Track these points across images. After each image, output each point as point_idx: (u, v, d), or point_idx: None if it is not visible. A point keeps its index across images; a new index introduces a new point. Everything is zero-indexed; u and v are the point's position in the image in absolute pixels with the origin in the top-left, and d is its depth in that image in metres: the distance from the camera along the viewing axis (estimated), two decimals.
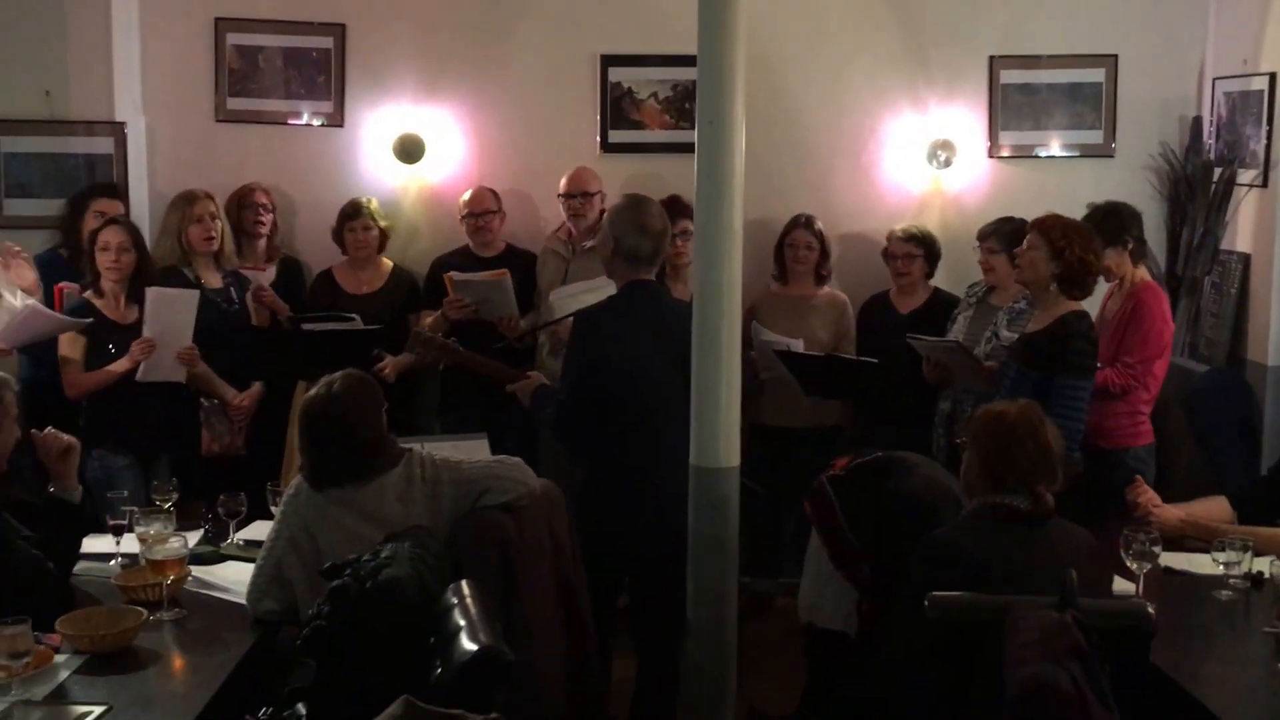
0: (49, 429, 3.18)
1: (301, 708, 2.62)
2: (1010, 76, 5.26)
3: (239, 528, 3.57)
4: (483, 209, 4.90)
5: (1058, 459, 2.84)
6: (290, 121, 5.27)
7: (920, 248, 4.84)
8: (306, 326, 4.64)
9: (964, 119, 5.25)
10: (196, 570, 3.27)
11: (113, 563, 3.31)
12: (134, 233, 4.30)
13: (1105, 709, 2.29)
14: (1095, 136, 5.28)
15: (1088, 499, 3.44)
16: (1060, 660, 2.30)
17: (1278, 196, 4.66)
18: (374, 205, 4.96)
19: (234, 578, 3.25)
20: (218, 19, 5.19)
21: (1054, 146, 5.30)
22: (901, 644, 2.83)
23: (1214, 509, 3.55)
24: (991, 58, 5.24)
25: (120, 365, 4.13)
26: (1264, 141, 4.73)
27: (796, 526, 3.58)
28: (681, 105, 5.23)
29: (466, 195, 4.97)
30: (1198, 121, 5.17)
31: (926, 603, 2.52)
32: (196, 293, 4.33)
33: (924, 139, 5.21)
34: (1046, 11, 5.25)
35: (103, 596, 3.08)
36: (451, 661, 2.34)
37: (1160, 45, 5.24)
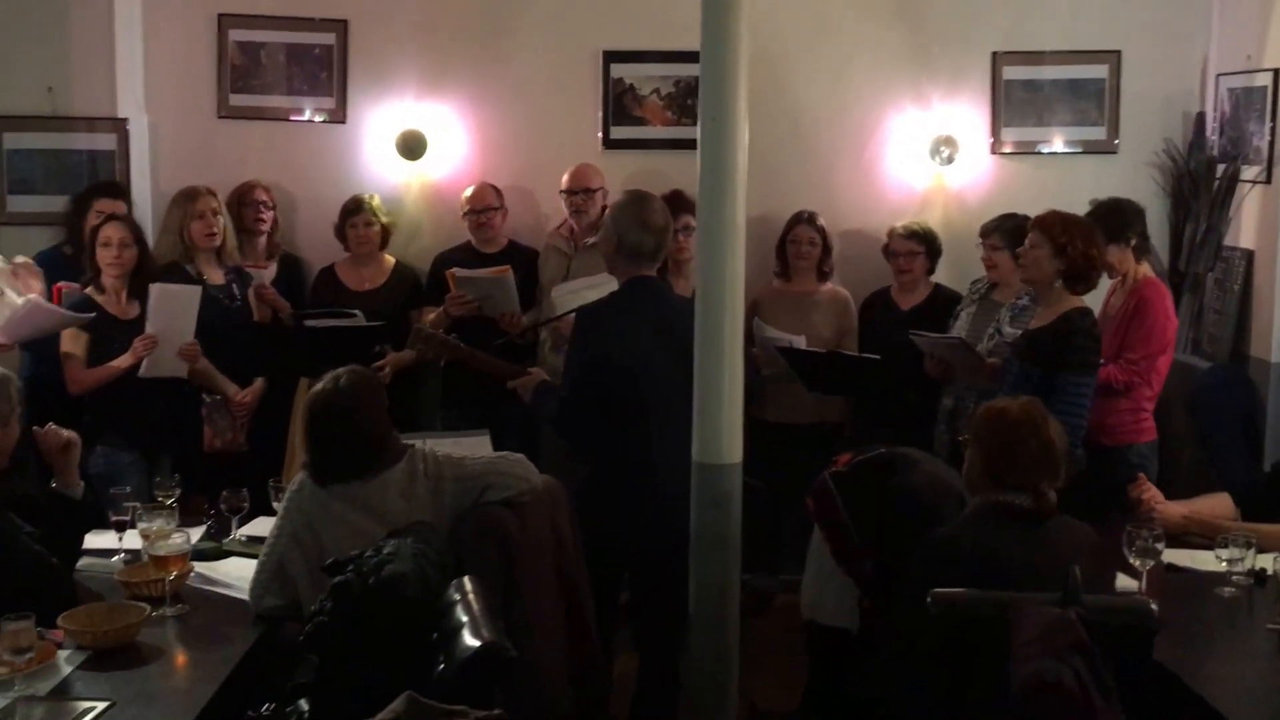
0: (49, 425, 3.18)
1: (304, 703, 2.63)
2: (1013, 72, 5.25)
3: (241, 524, 3.57)
4: (485, 205, 4.90)
5: (1060, 456, 2.84)
6: (292, 118, 5.27)
7: (922, 245, 4.84)
8: (309, 323, 4.65)
9: (967, 115, 5.25)
10: (199, 566, 3.27)
11: (115, 558, 3.31)
12: (135, 229, 4.30)
13: (1109, 705, 2.29)
14: (1098, 132, 5.28)
15: (1090, 496, 3.44)
16: (1064, 657, 2.29)
17: None
18: (376, 201, 4.96)
19: (236, 574, 3.25)
20: (220, 15, 5.19)
21: (1057, 143, 5.29)
22: (901, 643, 2.83)
23: (1217, 506, 3.55)
24: (994, 53, 5.24)
25: (123, 361, 4.13)
26: (1267, 138, 4.72)
27: (798, 523, 3.57)
28: (683, 101, 5.23)
29: (469, 191, 4.96)
30: (1201, 118, 5.16)
31: (929, 599, 2.52)
32: (199, 289, 4.33)
33: (926, 135, 5.21)
34: (1050, 7, 5.24)
35: (105, 592, 3.08)
36: (454, 657, 2.35)
37: (1163, 41, 5.23)
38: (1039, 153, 5.30)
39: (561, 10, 5.23)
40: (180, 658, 2.81)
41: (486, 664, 2.31)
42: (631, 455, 3.48)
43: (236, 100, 5.24)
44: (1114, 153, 5.26)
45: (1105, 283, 4.17)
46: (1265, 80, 4.75)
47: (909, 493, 3.17)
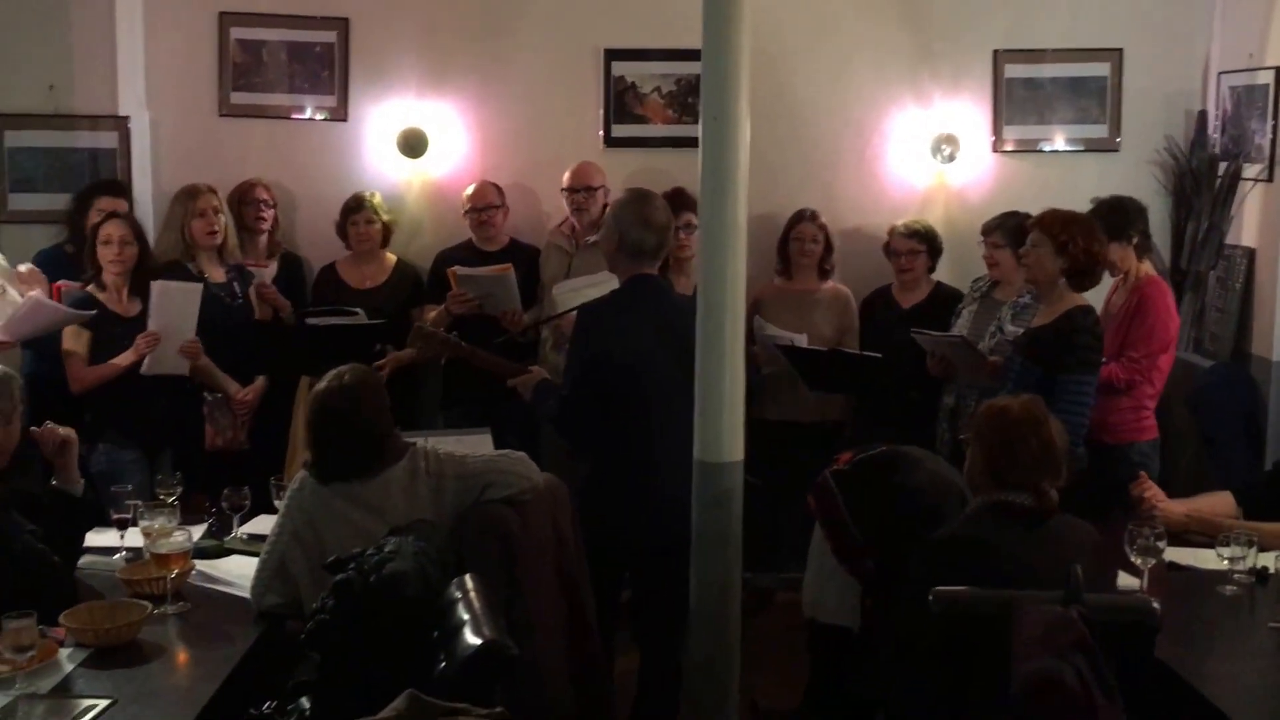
0: (46, 423, 3.19)
1: (305, 701, 2.63)
2: (1015, 70, 5.25)
3: (243, 522, 3.57)
4: (486, 203, 4.90)
5: (1061, 455, 2.83)
6: (294, 116, 5.27)
7: (923, 243, 4.84)
8: (310, 321, 4.65)
9: (968, 113, 5.25)
10: (200, 564, 3.27)
11: (117, 556, 3.31)
12: (135, 226, 4.31)
13: (1110, 704, 2.29)
14: (1100, 131, 5.28)
15: (1092, 494, 3.43)
16: (1065, 655, 2.29)
17: None
18: (377, 199, 4.96)
19: (238, 572, 3.25)
20: (221, 13, 5.19)
21: (1058, 141, 5.29)
22: (902, 644, 2.83)
23: (1218, 504, 3.55)
24: (996, 52, 5.23)
25: (125, 358, 4.13)
26: (1269, 136, 4.72)
27: (798, 522, 3.57)
28: (685, 100, 5.23)
29: (470, 190, 4.96)
30: (1203, 116, 5.16)
31: (931, 597, 2.52)
32: (199, 285, 4.33)
33: (928, 133, 5.21)
34: (1051, 5, 5.24)
35: (107, 590, 3.08)
36: (455, 655, 2.35)
37: (1165, 39, 5.22)
38: (1040, 151, 5.30)
39: (563, 8, 5.23)
40: (182, 656, 2.81)
41: (488, 662, 2.31)
42: (632, 454, 3.48)
43: (238, 98, 5.24)
44: (1115, 151, 5.26)
45: (1107, 281, 4.17)
46: (1267, 78, 4.74)
47: (910, 491, 3.16)
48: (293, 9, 5.21)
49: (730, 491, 3.22)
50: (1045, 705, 2.26)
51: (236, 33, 5.21)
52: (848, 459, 3.33)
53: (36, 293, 4.18)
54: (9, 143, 5.09)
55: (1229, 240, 4.97)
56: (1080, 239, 3.74)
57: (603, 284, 3.89)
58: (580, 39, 5.22)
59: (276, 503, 3.34)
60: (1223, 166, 4.99)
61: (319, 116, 5.27)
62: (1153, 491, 3.57)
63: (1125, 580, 3.08)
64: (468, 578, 2.59)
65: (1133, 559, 3.08)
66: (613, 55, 5.23)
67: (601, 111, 5.25)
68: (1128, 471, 3.80)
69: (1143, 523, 3.18)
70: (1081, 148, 5.28)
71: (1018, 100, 5.26)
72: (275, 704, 2.73)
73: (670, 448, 3.39)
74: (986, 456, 2.84)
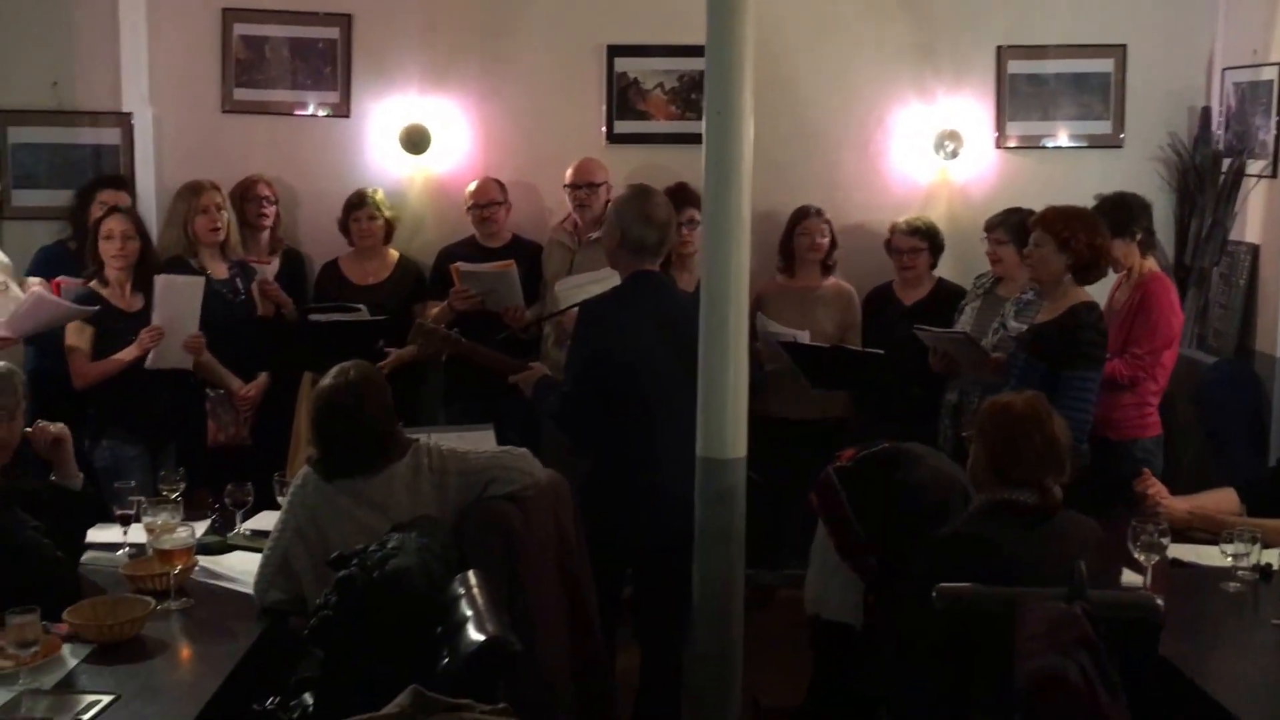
0: (37, 421, 3.19)
1: (308, 697, 2.63)
2: (1018, 67, 5.24)
3: (246, 518, 3.58)
4: (488, 200, 4.90)
5: (1065, 452, 2.83)
6: (296, 112, 5.27)
7: (924, 241, 4.83)
8: (313, 317, 4.65)
9: (971, 109, 5.24)
10: (203, 560, 3.28)
11: (120, 552, 3.31)
12: (137, 221, 4.31)
13: (1114, 700, 2.28)
14: (1103, 127, 5.27)
15: (1095, 491, 3.43)
16: (1069, 652, 2.29)
17: None
18: (379, 195, 4.96)
19: (241, 568, 3.25)
20: (224, 9, 5.19)
21: (1062, 137, 5.29)
22: (904, 642, 2.83)
23: (1222, 501, 3.55)
24: (999, 48, 5.23)
25: (128, 353, 4.13)
26: (1273, 132, 4.71)
27: (800, 519, 3.57)
28: (688, 96, 5.22)
29: (472, 186, 4.96)
30: (1206, 112, 5.15)
31: (935, 594, 2.52)
32: (202, 279, 4.34)
33: (931, 129, 5.20)
34: (1054, 2, 5.23)
35: (110, 586, 3.08)
36: (458, 651, 2.35)
37: (1169, 35, 5.22)
38: (1044, 147, 5.29)
39: (565, 4, 5.22)
40: (185, 651, 2.81)
41: (491, 658, 2.31)
42: (633, 450, 3.48)
43: (240, 94, 5.24)
44: (1119, 147, 5.25)
45: (1110, 278, 4.17)
46: (1271, 74, 4.73)
47: (913, 488, 3.16)
48: (295, 5, 5.21)
49: (733, 488, 3.22)
50: (1049, 702, 2.26)
51: (239, 29, 5.21)
52: (850, 456, 3.33)
53: (39, 289, 4.18)
54: (12, 139, 5.09)
55: (1232, 236, 4.97)
56: (1082, 234, 3.74)
57: (605, 280, 3.88)
58: (583, 35, 5.22)
59: (280, 499, 3.34)
60: (1226, 163, 4.98)
61: (321, 113, 5.27)
62: (1156, 488, 3.57)
63: (1129, 577, 3.07)
64: (471, 574, 2.59)
65: (1136, 555, 3.07)
66: (615, 51, 5.23)
67: (604, 107, 5.25)
68: (1131, 468, 3.80)
69: (1146, 519, 3.18)
70: (1085, 144, 5.28)
71: (1021, 96, 5.26)
72: (278, 700, 2.74)
73: (671, 444, 3.39)
74: (989, 454, 2.83)
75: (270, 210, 4.95)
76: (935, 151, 5.20)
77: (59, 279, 4.37)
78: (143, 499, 3.36)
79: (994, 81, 5.24)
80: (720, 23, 3.09)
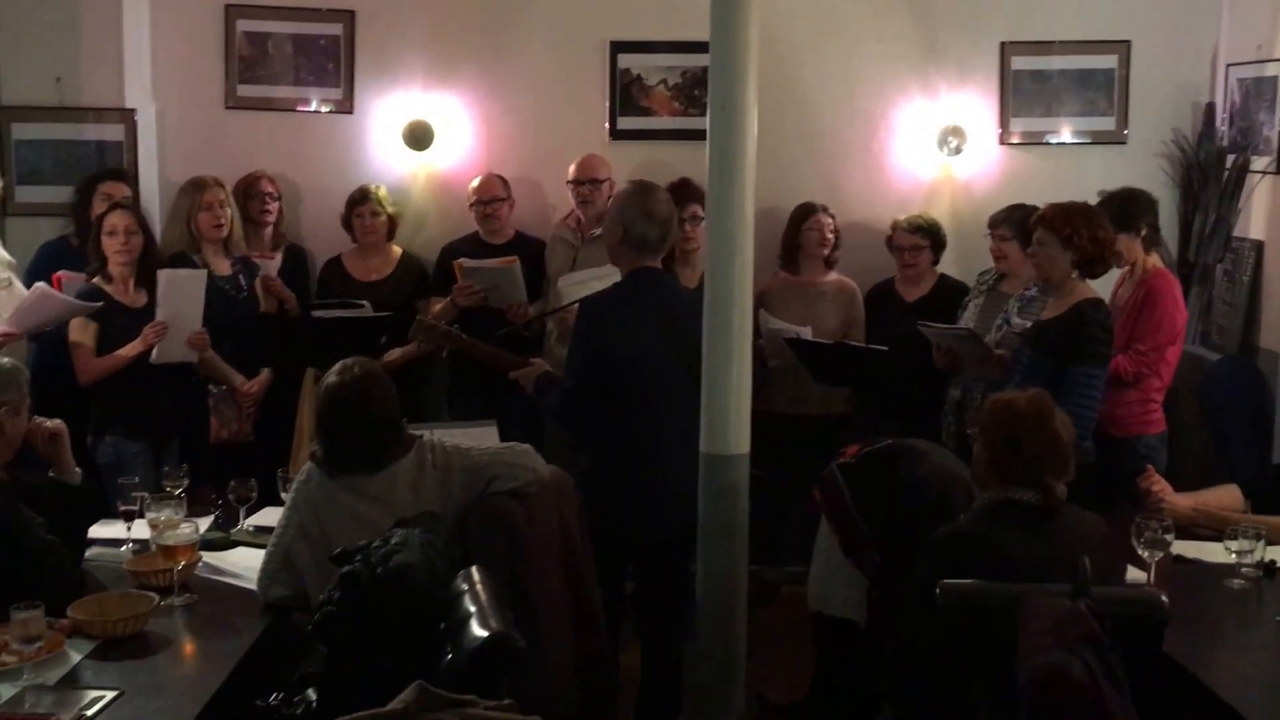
0: (34, 419, 3.19)
1: (312, 693, 2.63)
2: (1022, 62, 5.23)
3: (249, 514, 3.58)
4: (491, 196, 4.90)
5: (1069, 450, 2.82)
6: (299, 108, 5.26)
7: (925, 238, 4.82)
8: (316, 313, 4.65)
9: (975, 105, 5.23)
10: (207, 556, 3.28)
11: (124, 548, 3.32)
12: (140, 216, 4.31)
13: (1119, 697, 2.28)
14: (1107, 123, 5.26)
15: (1098, 487, 3.43)
16: (1074, 648, 2.29)
17: None
18: (382, 192, 4.96)
19: (244, 564, 3.25)
20: (228, 5, 5.19)
21: (1065, 133, 5.28)
22: (906, 640, 2.83)
23: (1225, 497, 3.54)
24: (1003, 44, 5.22)
25: (132, 349, 4.13)
26: (1277, 128, 4.70)
27: (802, 515, 3.57)
28: (691, 92, 5.21)
29: (475, 182, 4.96)
30: (1211, 108, 5.14)
31: (938, 590, 2.52)
32: (204, 272, 4.34)
33: (934, 125, 5.19)
34: None
35: (114, 582, 3.08)
36: (462, 647, 2.35)
37: (1173, 31, 5.20)
38: (1047, 143, 5.28)
39: (568, 0, 5.22)
40: (188, 647, 2.81)
41: (495, 654, 2.32)
42: (634, 447, 3.48)
43: (244, 91, 5.24)
44: (1123, 143, 5.24)
45: (1113, 274, 4.16)
46: (1275, 70, 4.72)
47: (917, 484, 3.16)
48: (299, 1, 5.20)
49: (736, 484, 3.23)
50: (1053, 698, 2.26)
51: (242, 25, 5.21)
52: (854, 452, 3.33)
53: (42, 284, 4.18)
54: (16, 135, 5.09)
55: (1236, 233, 4.96)
56: (1084, 229, 3.73)
57: (608, 276, 3.88)
58: (586, 31, 5.21)
59: (283, 495, 3.34)
60: (1230, 159, 4.97)
61: (325, 109, 5.27)
62: (1160, 485, 3.57)
63: (1133, 573, 3.07)
64: (474, 570, 2.59)
65: (1140, 552, 3.07)
66: (618, 47, 5.22)
67: (607, 104, 5.24)
68: (1135, 464, 3.80)
69: (1150, 516, 3.17)
70: (1088, 140, 5.27)
71: (1025, 92, 5.25)
72: (282, 696, 2.73)
73: (672, 440, 3.40)
74: (992, 453, 2.83)
75: (273, 206, 4.95)
76: (939, 147, 5.19)
77: (59, 273, 4.37)
78: (146, 495, 3.36)
79: (997, 77, 5.23)
80: (725, 19, 3.10)
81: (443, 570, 2.62)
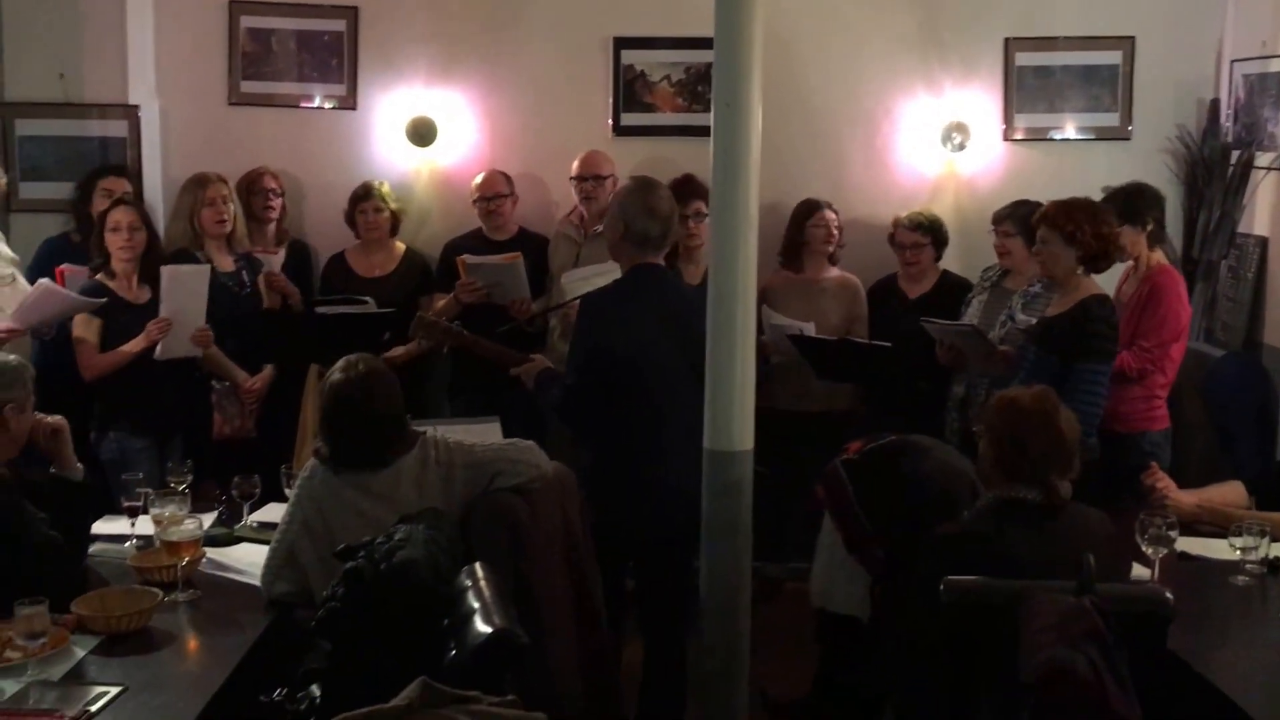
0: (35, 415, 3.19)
1: (316, 689, 2.63)
2: (1026, 59, 5.22)
3: (253, 510, 3.58)
4: (494, 192, 4.89)
5: (1073, 448, 2.82)
6: (303, 105, 5.27)
7: (927, 236, 4.81)
8: (320, 310, 4.65)
9: (979, 101, 5.22)
10: (211, 552, 3.29)
11: (128, 544, 3.32)
12: (142, 212, 4.31)
13: (1123, 693, 2.28)
14: (1111, 119, 5.25)
15: (1102, 484, 3.43)
16: (1078, 644, 2.29)
17: None
18: (385, 188, 4.96)
19: (248, 560, 3.26)
20: (231, 1, 5.19)
21: (1069, 129, 5.27)
22: (907, 639, 2.82)
23: (1229, 494, 3.54)
24: (1007, 40, 5.21)
25: (135, 345, 4.13)
26: None
27: (805, 512, 3.57)
28: (694, 88, 5.21)
29: (478, 179, 4.96)
30: (1215, 104, 5.13)
31: (942, 587, 2.51)
32: (207, 267, 4.34)
33: (938, 122, 5.19)
34: None
35: (118, 578, 3.09)
36: (465, 644, 2.35)
37: (1178, 27, 5.19)
38: (1051, 139, 5.27)
39: None
40: (192, 643, 2.82)
41: (498, 650, 2.32)
42: (635, 443, 3.48)
43: (247, 87, 5.24)
44: (1127, 139, 5.23)
45: (1116, 271, 4.15)
46: None
47: (920, 480, 3.16)
48: None
49: (740, 480, 3.22)
50: (1058, 694, 2.26)
51: (246, 21, 5.21)
52: (857, 448, 3.33)
53: (46, 280, 4.18)
54: (20, 131, 5.10)
55: (1241, 229, 4.95)
56: (1087, 225, 3.73)
57: (610, 273, 3.88)
58: (589, 27, 5.21)
59: (287, 491, 3.35)
60: (1235, 155, 4.96)
61: (328, 105, 5.27)
62: (1164, 482, 3.57)
63: (1136, 570, 3.07)
64: (478, 566, 2.59)
65: (1144, 549, 3.07)
66: (622, 43, 5.22)
67: (610, 100, 5.24)
68: (1139, 461, 3.79)
69: (1154, 512, 3.17)
70: (1093, 136, 5.26)
71: (1028, 88, 5.24)
72: (285, 692, 2.74)
73: (674, 436, 3.39)
74: (996, 451, 2.83)
75: (276, 202, 4.95)
76: (942, 144, 5.18)
77: (62, 266, 4.38)
78: (150, 491, 3.37)
79: (1001, 73, 5.22)
80: (729, 16, 3.09)
81: (446, 566, 2.62)
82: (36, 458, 3.24)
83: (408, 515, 2.82)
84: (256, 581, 3.06)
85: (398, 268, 4.95)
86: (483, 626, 2.35)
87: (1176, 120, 5.16)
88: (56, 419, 3.19)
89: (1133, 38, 5.19)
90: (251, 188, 4.90)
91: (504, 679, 2.31)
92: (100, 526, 3.30)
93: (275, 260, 4.85)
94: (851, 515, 3.23)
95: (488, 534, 2.96)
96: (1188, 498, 3.51)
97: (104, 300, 4.13)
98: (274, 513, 3.44)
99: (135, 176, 5.02)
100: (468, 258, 4.65)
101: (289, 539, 3.02)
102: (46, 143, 5.11)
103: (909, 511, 3.09)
